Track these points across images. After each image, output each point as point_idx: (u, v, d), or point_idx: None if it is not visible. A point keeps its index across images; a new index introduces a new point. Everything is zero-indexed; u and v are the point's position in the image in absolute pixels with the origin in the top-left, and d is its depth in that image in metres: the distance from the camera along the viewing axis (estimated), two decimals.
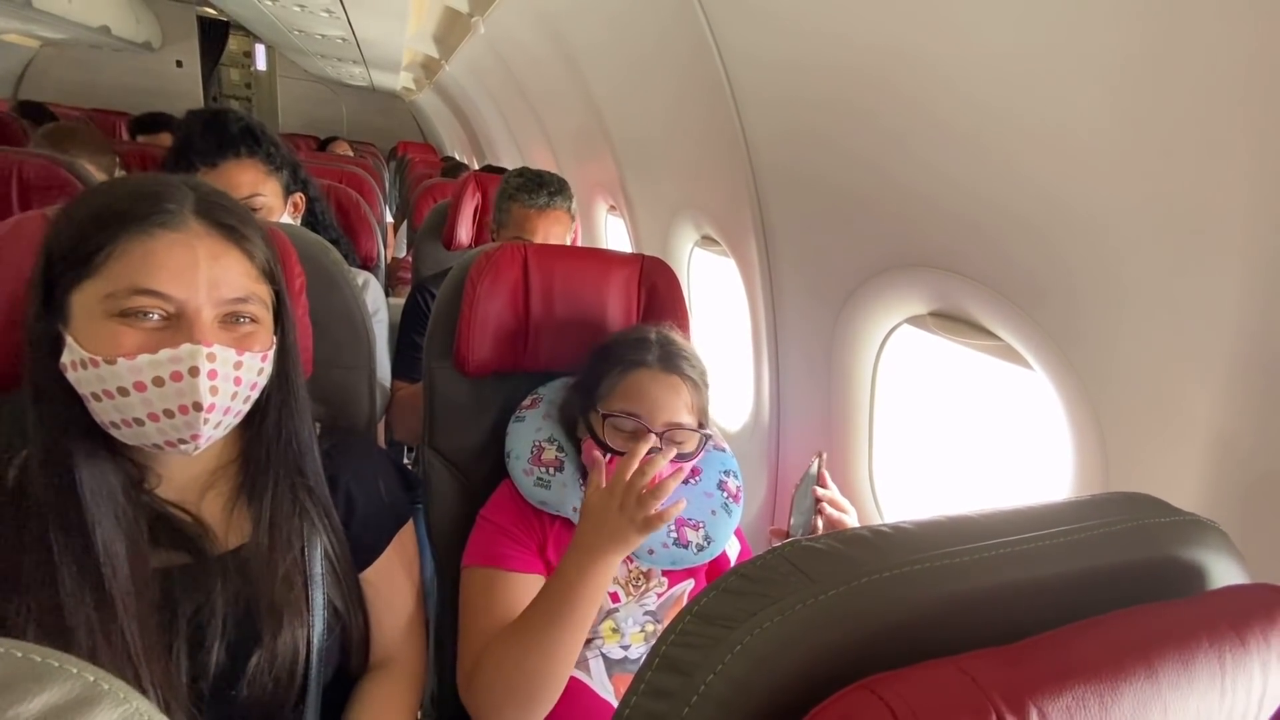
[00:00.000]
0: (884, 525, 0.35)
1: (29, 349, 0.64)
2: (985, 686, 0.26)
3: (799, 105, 1.00)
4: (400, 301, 1.78)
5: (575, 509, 0.91)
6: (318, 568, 0.75)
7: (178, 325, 0.63)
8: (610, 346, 0.97)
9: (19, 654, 0.23)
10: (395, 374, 1.53)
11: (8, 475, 0.66)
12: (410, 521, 0.91)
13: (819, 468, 0.93)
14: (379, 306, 1.60)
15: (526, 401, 1.04)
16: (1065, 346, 0.69)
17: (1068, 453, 0.74)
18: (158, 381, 0.62)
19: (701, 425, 0.93)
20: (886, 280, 0.93)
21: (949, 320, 0.87)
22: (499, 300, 1.08)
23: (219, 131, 1.24)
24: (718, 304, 1.66)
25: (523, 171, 1.57)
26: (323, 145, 4.61)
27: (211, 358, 0.63)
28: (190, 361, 0.62)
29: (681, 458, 0.90)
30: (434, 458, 1.09)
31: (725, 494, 0.98)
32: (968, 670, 0.27)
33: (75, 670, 0.24)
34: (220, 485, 0.75)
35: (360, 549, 0.82)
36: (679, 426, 0.89)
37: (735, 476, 1.01)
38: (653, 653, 0.30)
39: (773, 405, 1.28)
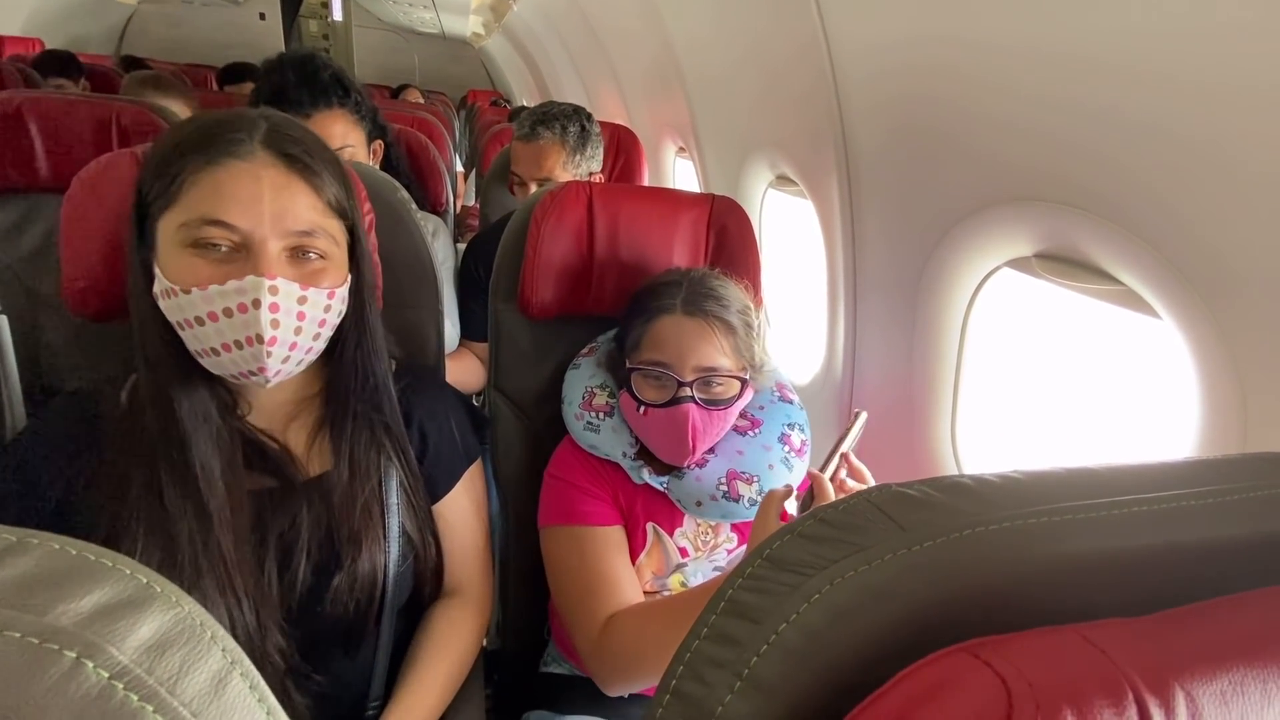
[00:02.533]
0: (989, 474, 0.30)
1: (129, 279, 0.67)
2: (1118, 660, 0.22)
3: (900, 36, 0.90)
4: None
5: (624, 454, 0.90)
6: (394, 498, 0.78)
7: (245, 257, 0.63)
8: (639, 294, 0.92)
9: (74, 551, 0.23)
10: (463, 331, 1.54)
11: (120, 398, 0.70)
12: (479, 460, 0.92)
13: (858, 429, 0.85)
14: (446, 257, 1.60)
15: (585, 350, 1.02)
16: (1207, 293, 0.60)
17: (1194, 413, 0.65)
18: (226, 312, 0.62)
19: (746, 368, 0.88)
20: (986, 219, 0.84)
21: (1058, 262, 0.77)
22: (563, 241, 1.06)
23: (311, 81, 1.24)
24: (790, 249, 1.58)
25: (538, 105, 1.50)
26: (395, 93, 4.67)
27: (274, 290, 0.63)
28: (254, 294, 0.62)
29: (716, 404, 0.85)
30: (499, 399, 1.10)
31: (787, 448, 0.92)
32: (1094, 640, 0.23)
33: (129, 571, 0.23)
34: (304, 416, 0.77)
35: (432, 483, 0.84)
36: (712, 371, 0.84)
37: (801, 430, 0.95)
38: (717, 596, 0.28)
39: (847, 357, 1.21)
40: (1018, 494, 0.29)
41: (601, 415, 0.92)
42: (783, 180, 1.43)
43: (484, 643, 0.90)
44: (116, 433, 0.68)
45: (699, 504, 0.89)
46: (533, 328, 1.09)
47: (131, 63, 4.11)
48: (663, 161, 2.24)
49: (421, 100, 4.42)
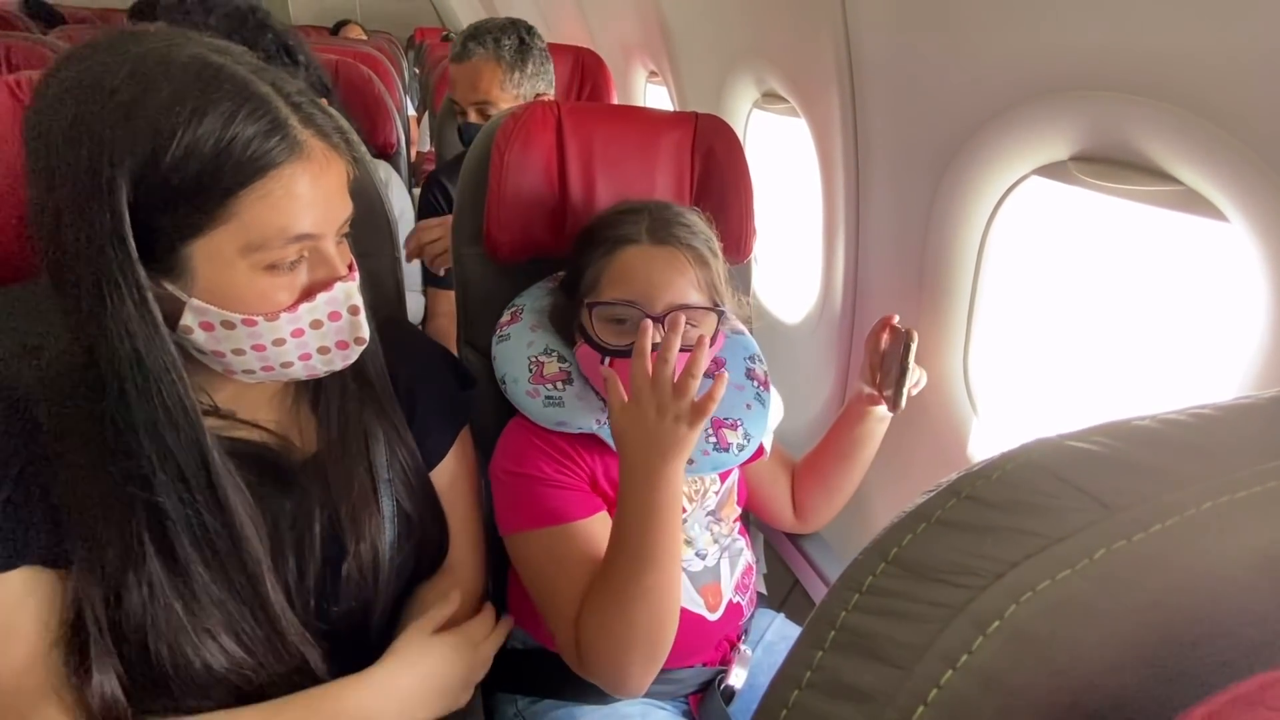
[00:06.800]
0: (1169, 413, 0.21)
1: (122, 310, 0.51)
2: None
3: None
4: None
5: (599, 421, 0.78)
6: (385, 472, 0.70)
7: (314, 260, 0.58)
8: (593, 228, 0.80)
9: None
10: (426, 280, 1.41)
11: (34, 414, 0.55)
12: (468, 424, 0.84)
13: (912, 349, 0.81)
14: (404, 209, 1.46)
15: (505, 317, 0.87)
16: None
17: (1264, 334, 0.57)
18: (316, 325, 0.58)
19: (715, 303, 0.78)
20: (1015, 118, 0.74)
21: (1099, 164, 0.68)
22: (530, 171, 0.93)
23: (252, 47, 1.05)
24: (776, 177, 1.46)
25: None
26: (334, 31, 4.28)
27: (360, 290, 0.60)
28: (348, 301, 0.59)
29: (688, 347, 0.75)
30: (471, 355, 0.99)
31: (756, 383, 0.87)
32: None
33: None
34: (281, 393, 0.69)
35: (424, 452, 0.75)
36: (686, 307, 0.73)
37: (760, 361, 0.90)
38: (818, 619, 0.18)
39: (847, 290, 1.12)
40: (1238, 441, 0.20)
41: (560, 385, 0.79)
42: (770, 98, 1.30)
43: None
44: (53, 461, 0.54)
45: (691, 462, 0.79)
46: (503, 273, 0.97)
47: (39, 8, 3.67)
48: (632, 87, 2.07)
49: (365, 38, 4.07)
